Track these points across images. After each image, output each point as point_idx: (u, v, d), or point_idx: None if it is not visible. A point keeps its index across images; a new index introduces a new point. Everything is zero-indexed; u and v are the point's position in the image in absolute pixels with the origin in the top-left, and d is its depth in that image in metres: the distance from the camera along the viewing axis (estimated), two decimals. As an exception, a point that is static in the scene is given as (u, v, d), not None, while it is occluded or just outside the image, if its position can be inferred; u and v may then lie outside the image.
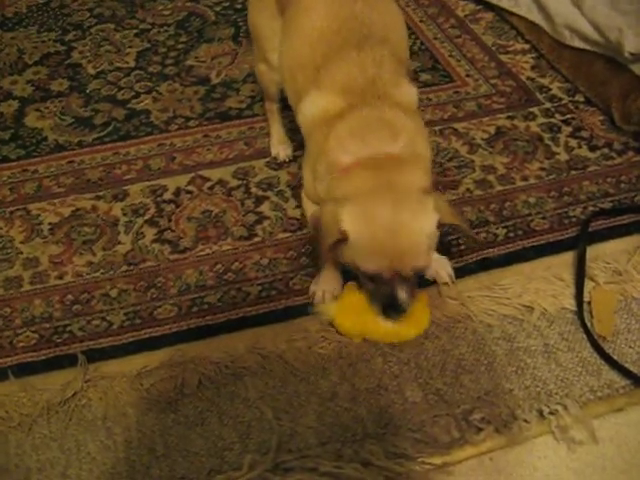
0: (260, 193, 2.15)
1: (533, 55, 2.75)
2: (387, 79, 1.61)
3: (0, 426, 1.60)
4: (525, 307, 1.80)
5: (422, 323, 1.71)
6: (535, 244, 1.95)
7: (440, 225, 1.46)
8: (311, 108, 1.64)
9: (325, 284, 1.80)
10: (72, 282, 1.91)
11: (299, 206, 2.05)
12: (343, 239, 1.45)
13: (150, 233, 2.04)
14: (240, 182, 2.20)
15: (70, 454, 1.55)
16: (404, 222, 1.43)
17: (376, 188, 1.46)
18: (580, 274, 1.85)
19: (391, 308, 1.53)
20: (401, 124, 1.55)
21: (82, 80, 2.70)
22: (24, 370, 1.71)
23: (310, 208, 1.73)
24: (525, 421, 1.57)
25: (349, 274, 1.69)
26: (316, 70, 1.63)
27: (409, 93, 1.68)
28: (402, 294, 1.50)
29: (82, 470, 1.53)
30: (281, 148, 2.26)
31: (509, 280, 1.87)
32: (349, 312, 1.70)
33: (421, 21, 2.98)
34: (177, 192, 2.17)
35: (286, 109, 2.06)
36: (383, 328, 1.64)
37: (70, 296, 1.87)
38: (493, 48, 2.80)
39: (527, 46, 2.80)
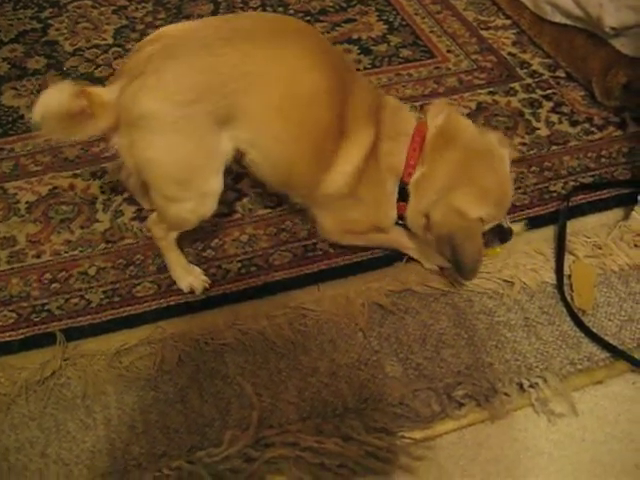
0: (240, 170, 2.12)
1: (514, 31, 2.74)
2: None
3: (-22, 406, 1.59)
4: (505, 281, 1.81)
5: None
6: (516, 219, 1.94)
7: None
8: None
9: None
10: (50, 261, 1.89)
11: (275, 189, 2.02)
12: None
13: (129, 211, 2.02)
14: (219, 159, 2.17)
15: (49, 433, 1.54)
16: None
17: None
18: (560, 248, 1.86)
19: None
20: None
21: (59, 58, 2.65)
22: (2, 350, 1.69)
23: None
24: (505, 394, 1.58)
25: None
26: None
27: None
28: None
29: (62, 449, 1.51)
30: (192, 278, 1.81)
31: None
32: None
33: (402, -3, 2.96)
34: (156, 169, 2.14)
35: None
36: None
37: (48, 275, 1.85)
38: (474, 24, 2.80)
39: (508, 22, 2.80)
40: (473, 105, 2.37)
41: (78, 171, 2.15)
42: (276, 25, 1.60)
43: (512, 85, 2.47)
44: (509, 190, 1.69)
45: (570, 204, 1.99)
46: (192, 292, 1.80)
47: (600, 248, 1.88)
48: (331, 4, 2.94)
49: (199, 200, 1.63)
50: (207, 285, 1.81)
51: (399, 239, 1.84)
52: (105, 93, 1.52)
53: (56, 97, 1.46)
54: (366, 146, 1.64)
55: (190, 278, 1.80)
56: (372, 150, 1.65)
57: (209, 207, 1.66)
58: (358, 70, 2.53)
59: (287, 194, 1.86)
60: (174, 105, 1.46)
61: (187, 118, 1.48)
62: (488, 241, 1.70)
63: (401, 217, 1.76)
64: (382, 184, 1.70)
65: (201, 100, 1.47)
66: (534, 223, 1.95)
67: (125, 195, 2.05)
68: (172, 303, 1.78)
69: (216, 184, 1.62)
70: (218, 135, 1.55)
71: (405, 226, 1.79)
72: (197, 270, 1.83)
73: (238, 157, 1.65)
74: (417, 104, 2.35)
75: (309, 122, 1.59)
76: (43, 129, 1.50)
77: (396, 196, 1.72)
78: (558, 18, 2.51)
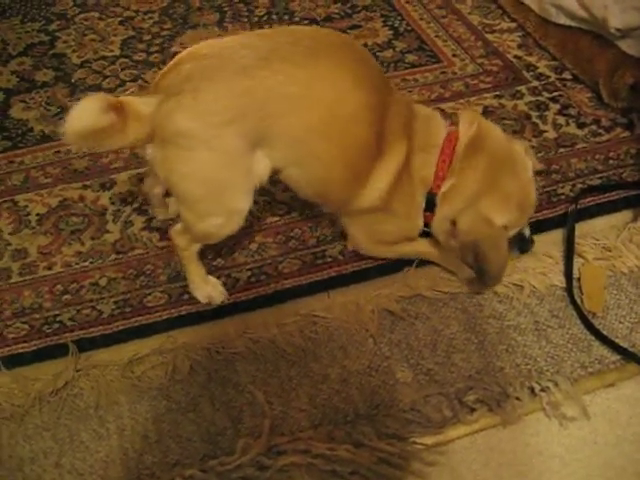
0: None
1: (519, 34, 2.74)
2: None
3: (-8, 418, 1.60)
4: (515, 285, 1.81)
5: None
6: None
7: None
8: None
9: None
10: (61, 272, 1.90)
11: (286, 190, 2.03)
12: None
13: (139, 221, 2.03)
14: (228, 168, 2.18)
15: (63, 443, 1.55)
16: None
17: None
18: (569, 251, 1.85)
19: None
20: None
21: (67, 70, 2.67)
22: (15, 361, 1.70)
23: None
24: (517, 399, 1.58)
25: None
26: None
27: None
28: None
29: (76, 459, 1.52)
30: (210, 289, 1.83)
31: (498, 259, 1.86)
32: None
33: (407, 2, 2.97)
34: (165, 179, 2.15)
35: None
36: None
37: (59, 286, 1.87)
38: (479, 27, 2.80)
39: (513, 25, 2.79)
40: (480, 109, 2.37)
41: (88, 182, 2.17)
42: (315, 42, 1.57)
43: (518, 88, 2.47)
44: (532, 197, 1.69)
45: (578, 207, 1.98)
46: (209, 303, 1.81)
47: (609, 250, 1.87)
48: (336, 11, 2.95)
49: (228, 217, 1.64)
50: (225, 297, 1.82)
51: (431, 250, 1.84)
52: (141, 105, 1.52)
53: (88, 111, 1.45)
54: (400, 160, 1.65)
55: (208, 288, 1.81)
56: (405, 163, 1.66)
57: (237, 224, 1.66)
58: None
59: (320, 205, 1.87)
60: (209, 125, 1.47)
61: (221, 138, 1.49)
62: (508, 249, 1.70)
63: (426, 225, 1.76)
64: (413, 196, 1.71)
65: (237, 122, 1.48)
66: (543, 226, 1.95)
67: (135, 205, 2.07)
68: (183, 313, 1.79)
69: (246, 202, 1.62)
70: (252, 156, 1.56)
71: (430, 234, 1.79)
72: (214, 280, 1.84)
73: (273, 173, 1.66)
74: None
75: (350, 141, 1.59)
76: (72, 141, 1.49)
77: (423, 206, 1.73)
78: (563, 20, 2.51)
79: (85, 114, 1.45)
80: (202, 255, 1.86)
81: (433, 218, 1.73)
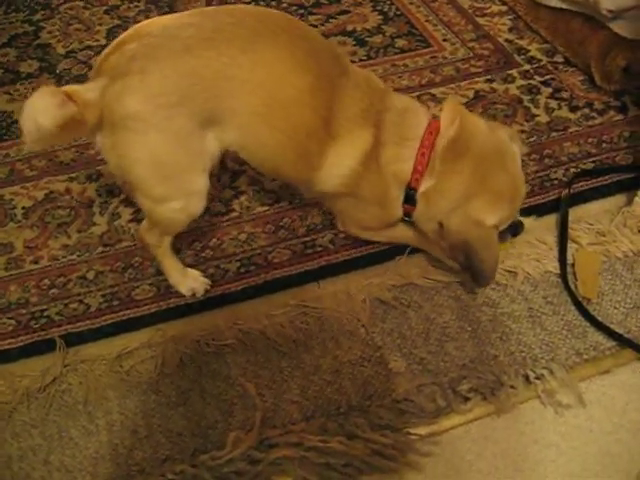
0: (236, 167, 2.11)
1: (510, 17, 2.72)
2: None
3: (-21, 415, 1.58)
4: (508, 272, 1.79)
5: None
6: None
7: None
8: None
9: None
10: (48, 266, 1.87)
11: (275, 179, 2.01)
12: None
13: (126, 213, 2.00)
14: (216, 157, 2.15)
15: (52, 440, 1.53)
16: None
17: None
18: (563, 236, 1.84)
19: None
20: None
21: (52, 60, 2.63)
22: (2, 357, 1.68)
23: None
24: (511, 387, 1.56)
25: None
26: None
27: None
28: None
29: (65, 456, 1.50)
30: (191, 281, 1.80)
31: (491, 245, 1.84)
32: None
33: (396, -14, 2.93)
34: (152, 170, 2.12)
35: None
36: None
37: (46, 280, 1.84)
38: (470, 11, 2.77)
39: (504, 8, 2.77)
40: (471, 94, 2.34)
41: (74, 174, 2.14)
42: (260, 23, 1.55)
43: (510, 72, 2.44)
44: (522, 189, 1.66)
45: (572, 191, 1.96)
46: (193, 295, 1.78)
47: (603, 235, 1.85)
48: (325, -4, 2.91)
49: (186, 199, 1.60)
50: (208, 286, 1.79)
51: (420, 239, 1.81)
52: (86, 91, 1.46)
53: (47, 107, 1.40)
54: (362, 148, 1.61)
55: (189, 281, 1.78)
56: (372, 153, 1.62)
57: (197, 206, 1.63)
58: (354, 63, 2.51)
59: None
60: (157, 107, 1.44)
61: (170, 119, 1.46)
62: (500, 236, 1.67)
63: (407, 215, 1.73)
64: (385, 188, 1.67)
65: (184, 103, 1.46)
66: (536, 212, 1.92)
67: (122, 197, 2.03)
68: (172, 305, 1.77)
69: (201, 183, 1.59)
70: (202, 136, 1.53)
71: (411, 223, 1.76)
72: (195, 272, 1.80)
73: (232, 153, 1.64)
74: (414, 95, 2.32)
75: (292, 126, 1.56)
76: (35, 142, 1.43)
77: (402, 199, 1.69)
78: (554, 2, 2.48)
79: (45, 110, 1.40)
80: (190, 245, 1.83)
81: (414, 211, 1.69)
